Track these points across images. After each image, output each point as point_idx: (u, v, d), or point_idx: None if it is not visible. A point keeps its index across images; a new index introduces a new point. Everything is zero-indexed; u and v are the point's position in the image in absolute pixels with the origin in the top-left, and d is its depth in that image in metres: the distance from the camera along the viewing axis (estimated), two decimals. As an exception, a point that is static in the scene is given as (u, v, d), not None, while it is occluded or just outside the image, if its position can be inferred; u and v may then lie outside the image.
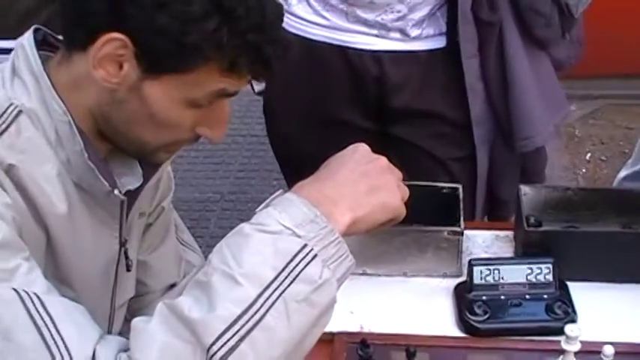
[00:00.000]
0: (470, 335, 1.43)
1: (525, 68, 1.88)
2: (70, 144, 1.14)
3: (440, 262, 1.55)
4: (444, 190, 1.61)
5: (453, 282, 1.53)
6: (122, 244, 1.29)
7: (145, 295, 1.45)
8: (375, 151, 1.20)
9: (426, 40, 1.88)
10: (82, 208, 1.19)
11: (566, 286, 1.49)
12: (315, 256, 1.05)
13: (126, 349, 1.03)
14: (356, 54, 1.89)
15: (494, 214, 2.05)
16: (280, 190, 1.14)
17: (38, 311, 1.04)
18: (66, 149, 1.15)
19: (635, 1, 3.79)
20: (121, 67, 1.11)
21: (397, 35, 1.87)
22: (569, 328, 1.27)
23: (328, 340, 1.37)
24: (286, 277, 1.04)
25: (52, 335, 1.02)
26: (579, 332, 1.27)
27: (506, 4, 1.83)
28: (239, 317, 1.01)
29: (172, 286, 1.47)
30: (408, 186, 1.22)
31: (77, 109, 1.15)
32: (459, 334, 1.44)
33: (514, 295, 1.46)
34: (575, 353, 1.28)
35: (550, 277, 1.47)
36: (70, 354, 1.02)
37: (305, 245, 1.05)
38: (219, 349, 1.00)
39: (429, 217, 1.53)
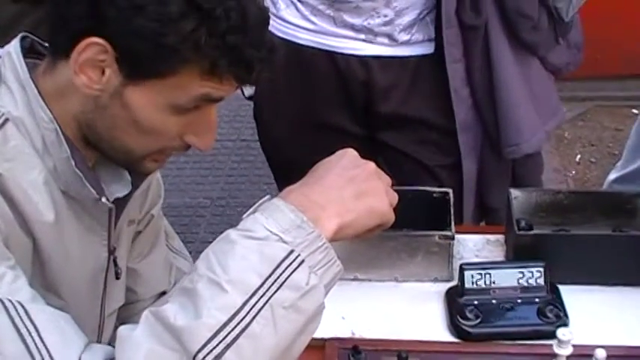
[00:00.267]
0: (462, 340, 1.43)
1: (513, 73, 1.87)
2: (57, 152, 1.14)
3: (431, 266, 1.54)
4: (435, 195, 1.61)
5: (444, 286, 1.52)
6: (111, 251, 1.28)
7: (135, 303, 1.44)
8: (363, 156, 1.19)
9: (414, 45, 1.87)
10: (70, 216, 1.19)
11: (557, 289, 1.48)
12: (302, 262, 1.04)
13: (112, 358, 1.02)
14: (343, 59, 1.89)
15: (486, 222, 2.04)
16: (267, 196, 1.13)
17: (22, 320, 1.03)
18: (53, 157, 1.14)
19: (623, 3, 3.81)
20: (102, 73, 1.10)
21: (385, 40, 1.87)
22: (561, 332, 1.27)
23: (320, 346, 1.37)
24: (273, 284, 1.03)
25: (36, 344, 1.02)
26: (571, 336, 1.27)
27: (492, 7, 1.82)
28: (225, 324, 1.00)
29: (163, 293, 1.47)
30: (398, 191, 1.21)
31: (63, 117, 1.14)
32: (450, 338, 1.44)
33: (506, 300, 1.45)
34: (568, 357, 1.28)
35: (541, 281, 1.46)
36: None
37: (292, 251, 1.04)
38: (204, 357, 0.99)
39: (419, 221, 1.53)
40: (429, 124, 1.93)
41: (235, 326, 1.00)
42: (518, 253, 1.54)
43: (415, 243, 1.53)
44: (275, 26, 1.95)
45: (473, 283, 1.46)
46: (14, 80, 1.14)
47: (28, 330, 1.02)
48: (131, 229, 1.37)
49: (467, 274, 1.47)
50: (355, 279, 1.55)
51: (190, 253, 1.61)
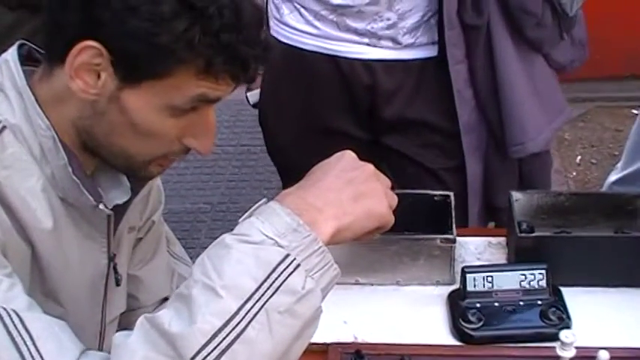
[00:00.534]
0: (464, 343, 1.42)
1: (516, 71, 1.86)
2: (55, 159, 1.13)
3: (433, 270, 1.54)
4: (436, 198, 1.60)
5: (446, 290, 1.52)
6: (111, 258, 1.28)
7: (137, 309, 1.43)
8: (366, 159, 1.18)
9: (418, 48, 1.87)
10: (68, 223, 1.18)
11: (559, 291, 1.48)
12: (298, 265, 1.03)
13: None
14: (347, 63, 1.89)
15: (495, 222, 2.03)
16: (264, 199, 1.12)
17: (17, 329, 1.02)
18: (50, 164, 1.14)
19: (622, 3, 3.81)
20: (98, 77, 1.10)
21: (389, 44, 1.86)
22: (564, 334, 1.27)
23: (322, 350, 1.36)
24: (268, 288, 1.02)
25: (30, 353, 1.01)
26: (574, 338, 1.26)
27: (494, 5, 1.81)
28: (219, 330, 0.99)
29: (165, 300, 1.46)
30: (399, 194, 1.20)
31: (61, 124, 1.14)
32: (453, 342, 1.43)
33: (508, 302, 1.45)
34: (571, 359, 1.27)
35: (544, 283, 1.46)
36: None
37: (287, 255, 1.03)
38: None
39: (421, 225, 1.52)
40: (432, 126, 1.93)
41: (230, 332, 1.00)
42: (519, 256, 1.53)
43: (417, 246, 1.53)
44: (279, 31, 1.95)
45: (475, 286, 1.46)
46: (11, 87, 1.14)
47: (22, 339, 1.02)
48: (132, 236, 1.36)
49: (469, 277, 1.46)
50: (357, 283, 1.54)
51: (191, 258, 1.60)
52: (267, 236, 1.04)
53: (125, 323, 1.40)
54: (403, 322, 1.47)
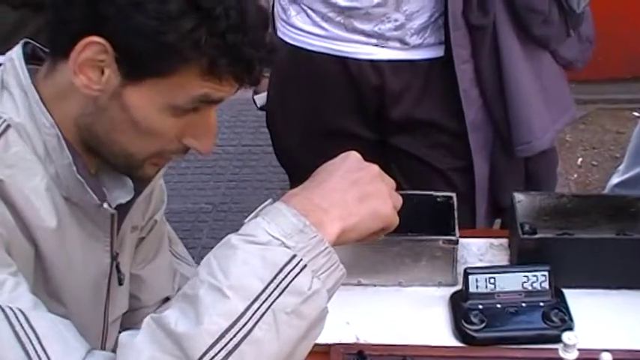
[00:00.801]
0: (466, 344, 1.42)
1: (523, 70, 1.85)
2: (59, 158, 1.13)
3: (435, 271, 1.54)
4: (439, 199, 1.60)
5: (449, 291, 1.52)
6: (113, 257, 1.27)
7: (139, 309, 1.43)
8: (374, 161, 1.18)
9: (426, 48, 1.87)
10: (72, 222, 1.18)
11: (562, 293, 1.48)
12: (305, 266, 1.03)
13: None
14: (355, 64, 1.89)
15: (502, 221, 2.03)
16: (269, 200, 1.12)
17: (23, 328, 1.02)
18: (55, 163, 1.14)
19: (624, 5, 3.80)
20: (102, 73, 1.10)
21: (396, 44, 1.86)
22: (566, 336, 1.27)
23: (324, 351, 1.36)
24: (275, 289, 1.02)
25: (36, 352, 1.01)
26: (577, 340, 1.26)
27: (500, 5, 1.81)
28: (226, 331, 0.99)
29: (167, 299, 1.46)
30: (403, 195, 1.20)
31: (64, 122, 1.14)
32: (455, 343, 1.43)
33: (510, 304, 1.45)
34: (573, 361, 1.27)
35: (546, 285, 1.46)
36: None
37: (294, 256, 1.03)
38: None
39: (423, 226, 1.52)
40: (440, 127, 1.93)
41: (237, 332, 1.00)
42: (522, 257, 1.54)
43: (419, 247, 1.53)
44: (286, 33, 1.95)
45: (477, 287, 1.46)
46: (16, 86, 1.14)
47: (28, 337, 1.02)
48: (134, 236, 1.36)
49: (471, 278, 1.46)
50: (359, 284, 1.55)
51: (193, 258, 1.60)
52: (273, 237, 1.04)
53: (127, 323, 1.40)
54: (405, 323, 1.47)
